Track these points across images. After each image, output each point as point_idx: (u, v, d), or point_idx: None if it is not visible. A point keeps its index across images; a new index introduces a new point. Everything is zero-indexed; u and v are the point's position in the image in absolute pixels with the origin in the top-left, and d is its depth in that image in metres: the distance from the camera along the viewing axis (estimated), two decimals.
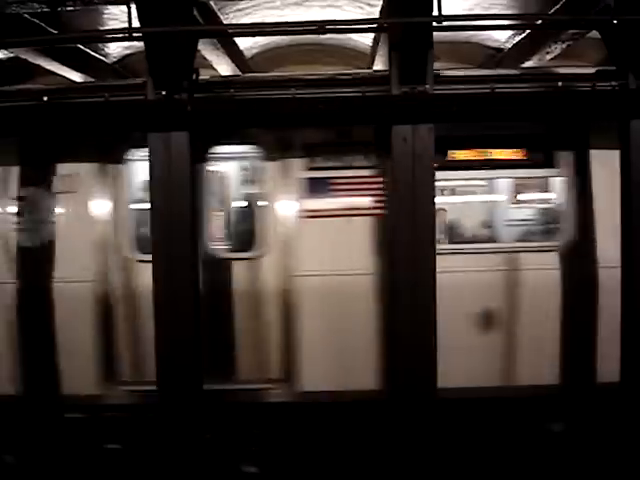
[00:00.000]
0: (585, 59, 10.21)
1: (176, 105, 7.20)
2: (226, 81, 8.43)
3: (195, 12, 7.46)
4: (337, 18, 9.36)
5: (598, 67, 7.87)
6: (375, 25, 7.62)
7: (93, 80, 10.31)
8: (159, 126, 7.23)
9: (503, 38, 10.47)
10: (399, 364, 7.39)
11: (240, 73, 10.53)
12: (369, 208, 8.24)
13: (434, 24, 6.70)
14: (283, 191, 8.36)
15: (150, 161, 7.29)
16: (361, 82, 7.82)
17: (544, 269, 8.23)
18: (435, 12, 6.79)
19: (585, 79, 7.57)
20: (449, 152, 8.40)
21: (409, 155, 7.05)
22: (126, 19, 7.50)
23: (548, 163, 8.45)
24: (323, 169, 8.35)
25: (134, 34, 7.11)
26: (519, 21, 8.01)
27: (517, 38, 10.05)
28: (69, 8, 8.09)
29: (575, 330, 8.23)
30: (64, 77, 10.24)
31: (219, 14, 8.80)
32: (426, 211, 7.11)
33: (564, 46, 9.20)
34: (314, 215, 8.32)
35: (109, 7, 8.84)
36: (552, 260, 8.25)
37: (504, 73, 8.23)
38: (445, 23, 6.76)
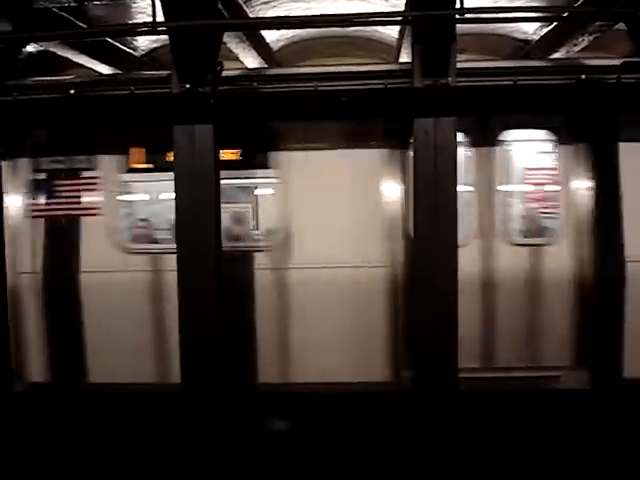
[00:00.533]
0: (614, 51, 10.12)
1: (200, 98, 7.26)
2: (250, 74, 8.48)
3: (220, 5, 7.52)
4: (362, 11, 9.37)
5: (624, 59, 7.80)
6: (399, 18, 7.61)
7: (121, 72, 10.44)
8: (183, 119, 7.29)
9: (530, 30, 10.41)
10: (420, 355, 7.41)
11: (266, 66, 10.58)
12: (87, 209, 8.49)
13: (457, 17, 6.68)
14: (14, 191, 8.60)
15: (175, 153, 7.37)
16: (385, 75, 7.83)
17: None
18: (458, 4, 6.76)
19: (610, 71, 7.51)
20: (168, 153, 8.41)
21: (431, 148, 7.04)
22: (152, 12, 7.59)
23: (264, 164, 8.53)
24: (48, 171, 8.61)
25: (158, 28, 7.18)
26: (544, 13, 7.97)
27: (544, 30, 9.99)
28: (96, 2, 8.21)
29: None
30: (92, 70, 10.38)
31: (244, 7, 8.85)
32: (448, 203, 7.09)
33: (591, 38, 9.14)
34: (39, 215, 8.59)
35: (136, 0, 8.95)
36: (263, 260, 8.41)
37: (528, 65, 8.18)
38: (468, 15, 6.73)
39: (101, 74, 10.40)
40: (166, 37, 7.59)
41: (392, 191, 8.30)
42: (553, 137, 8.35)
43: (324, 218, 8.32)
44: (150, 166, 8.53)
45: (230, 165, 8.28)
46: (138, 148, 8.56)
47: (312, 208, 8.34)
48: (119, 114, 7.80)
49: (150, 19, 7.45)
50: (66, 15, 8.52)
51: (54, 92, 8.17)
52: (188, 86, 7.20)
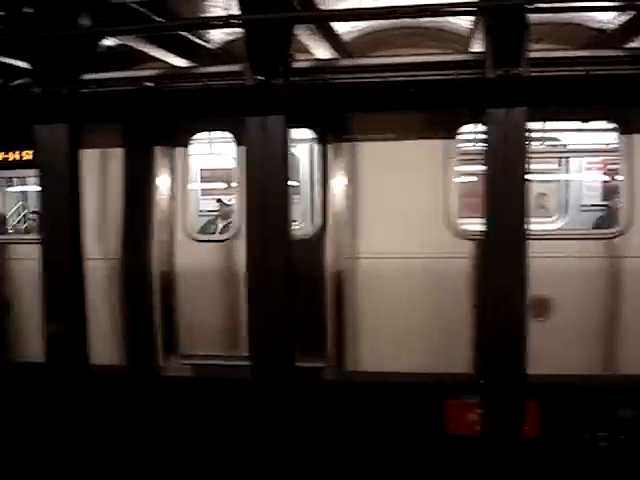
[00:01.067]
0: None
1: (273, 90, 7.38)
2: (321, 66, 8.59)
3: None
4: (433, 2, 9.32)
5: None
6: (469, 8, 7.58)
7: (195, 65, 10.63)
8: (257, 110, 7.42)
9: (606, 19, 10.20)
10: (489, 349, 7.41)
11: (338, 57, 10.62)
12: None
13: (527, 6, 6.63)
14: None
15: (247, 143, 7.51)
16: (456, 65, 7.83)
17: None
18: None
19: None
20: None
21: (502, 139, 7.02)
22: (227, 5, 7.72)
23: None
24: None
25: (233, 21, 7.33)
26: (619, 2, 7.82)
27: (621, 19, 9.79)
28: None
29: None
30: (167, 63, 10.58)
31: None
32: (518, 195, 7.06)
33: None
34: None
35: None
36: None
37: (603, 55, 8.07)
38: (539, 5, 6.67)
39: (175, 67, 10.60)
40: (240, 30, 7.72)
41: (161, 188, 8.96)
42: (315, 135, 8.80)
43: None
44: None
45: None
46: None
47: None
48: (194, 106, 7.97)
49: (223, 12, 7.62)
50: (142, 9, 8.73)
51: (131, 85, 8.42)
52: (261, 78, 7.32)
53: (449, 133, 8.43)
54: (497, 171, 7.06)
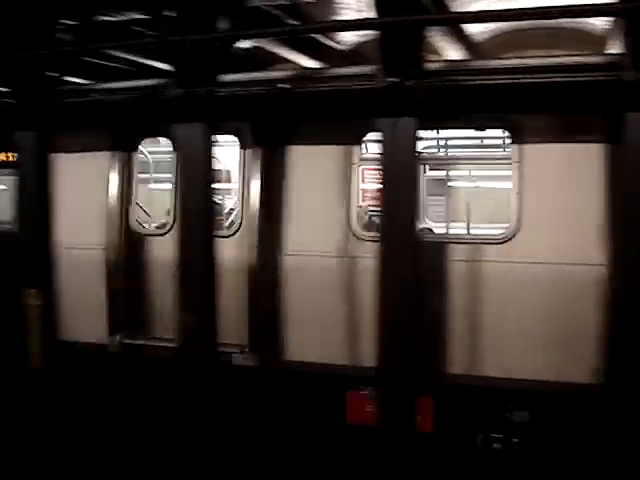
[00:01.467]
0: None
1: (405, 91, 7.44)
2: (452, 68, 8.60)
3: (424, 1, 7.66)
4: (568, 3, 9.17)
5: None
6: (607, 10, 7.42)
7: (325, 66, 10.81)
8: (388, 112, 7.50)
9: None
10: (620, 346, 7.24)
11: (468, 58, 10.59)
12: None
13: None
14: None
15: (380, 145, 7.60)
16: (589, 67, 7.69)
17: None
18: None
19: None
20: None
21: None
22: (359, 8, 7.82)
23: None
24: None
25: (369, 24, 7.45)
26: None
27: None
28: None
29: None
30: (297, 64, 10.82)
31: (447, 1, 8.91)
32: None
33: None
34: None
35: None
36: None
37: None
38: None
39: (306, 68, 10.80)
40: (370, 32, 7.82)
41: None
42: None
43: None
44: None
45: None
46: None
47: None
48: (327, 107, 8.12)
49: (355, 14, 7.73)
50: (276, 12, 8.96)
51: (264, 86, 8.66)
52: (394, 80, 7.40)
53: None
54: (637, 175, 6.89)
